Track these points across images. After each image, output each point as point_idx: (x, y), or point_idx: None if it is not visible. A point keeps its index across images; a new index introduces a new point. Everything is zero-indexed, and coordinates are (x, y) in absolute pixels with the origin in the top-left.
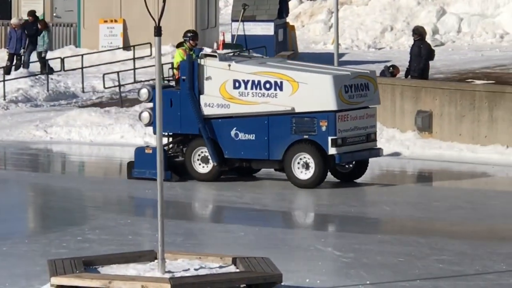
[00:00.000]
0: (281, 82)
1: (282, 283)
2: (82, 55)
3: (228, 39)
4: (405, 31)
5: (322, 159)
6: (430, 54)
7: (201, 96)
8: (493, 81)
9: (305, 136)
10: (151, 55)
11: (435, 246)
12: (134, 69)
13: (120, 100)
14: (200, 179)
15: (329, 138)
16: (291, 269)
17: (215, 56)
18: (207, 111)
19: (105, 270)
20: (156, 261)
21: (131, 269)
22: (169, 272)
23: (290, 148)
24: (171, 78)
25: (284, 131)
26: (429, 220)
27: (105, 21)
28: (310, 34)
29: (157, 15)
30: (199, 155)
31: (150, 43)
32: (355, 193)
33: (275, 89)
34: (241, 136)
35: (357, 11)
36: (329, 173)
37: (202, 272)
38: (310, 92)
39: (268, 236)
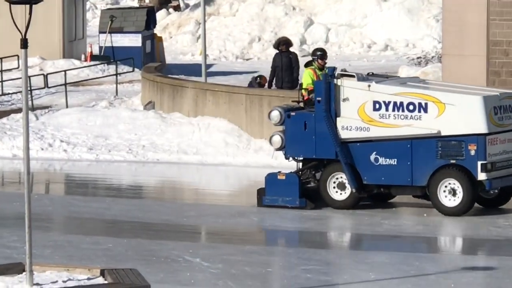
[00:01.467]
0: (426, 104)
1: None
2: None
3: (95, 50)
4: (272, 41)
5: (470, 185)
6: (299, 65)
7: (337, 118)
8: None
9: (452, 161)
10: (18, 67)
11: (303, 256)
12: (2, 81)
13: None
14: (336, 206)
15: (479, 163)
16: (159, 280)
17: (353, 76)
18: (344, 134)
19: None
20: (24, 273)
21: None
22: (37, 284)
23: (436, 173)
24: (300, 100)
25: (429, 156)
26: (297, 230)
27: None
28: (178, 45)
29: (24, 27)
30: (334, 182)
31: (17, 55)
32: (221, 206)
33: (419, 111)
34: (382, 160)
35: (224, 22)
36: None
37: (70, 284)
38: (458, 114)
39: (136, 248)
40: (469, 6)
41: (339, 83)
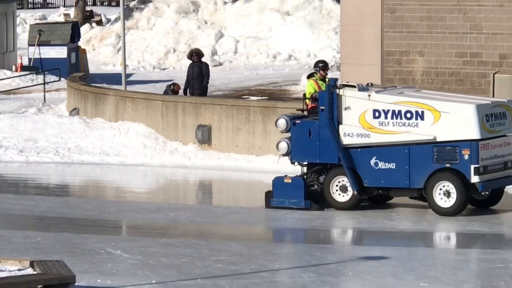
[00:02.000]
0: (422, 112)
1: (76, 284)
2: None
3: (25, 62)
4: (186, 52)
5: (464, 187)
6: (209, 74)
7: (340, 126)
8: (267, 97)
9: (447, 165)
10: None
11: (215, 247)
12: None
13: None
14: (338, 207)
15: (472, 167)
16: (83, 271)
17: (354, 86)
18: (346, 140)
19: None
20: None
21: None
22: None
23: (432, 176)
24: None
25: (425, 160)
26: (209, 224)
27: None
28: (101, 57)
29: None
30: (336, 185)
31: None
32: (140, 203)
33: (416, 119)
34: (381, 165)
35: (143, 35)
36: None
37: (2, 274)
38: (453, 121)
39: (62, 241)
40: (365, 20)
41: (341, 93)
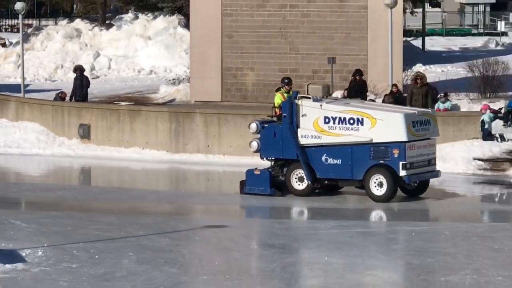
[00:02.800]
0: (362, 119)
1: None
2: None
3: None
4: (71, 68)
5: (393, 179)
6: (89, 84)
7: (298, 129)
8: (133, 103)
9: (381, 161)
10: None
11: (93, 219)
12: None
13: None
14: (297, 194)
15: (400, 163)
16: None
17: (309, 98)
18: (303, 141)
19: None
20: None
21: None
22: None
23: (369, 170)
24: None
25: (364, 157)
26: (88, 200)
27: None
28: (4, 71)
29: None
30: (295, 176)
31: None
32: (36, 184)
33: (357, 124)
34: (330, 160)
35: (37, 55)
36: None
37: None
38: (386, 126)
39: None
40: (209, 43)
41: (299, 103)
